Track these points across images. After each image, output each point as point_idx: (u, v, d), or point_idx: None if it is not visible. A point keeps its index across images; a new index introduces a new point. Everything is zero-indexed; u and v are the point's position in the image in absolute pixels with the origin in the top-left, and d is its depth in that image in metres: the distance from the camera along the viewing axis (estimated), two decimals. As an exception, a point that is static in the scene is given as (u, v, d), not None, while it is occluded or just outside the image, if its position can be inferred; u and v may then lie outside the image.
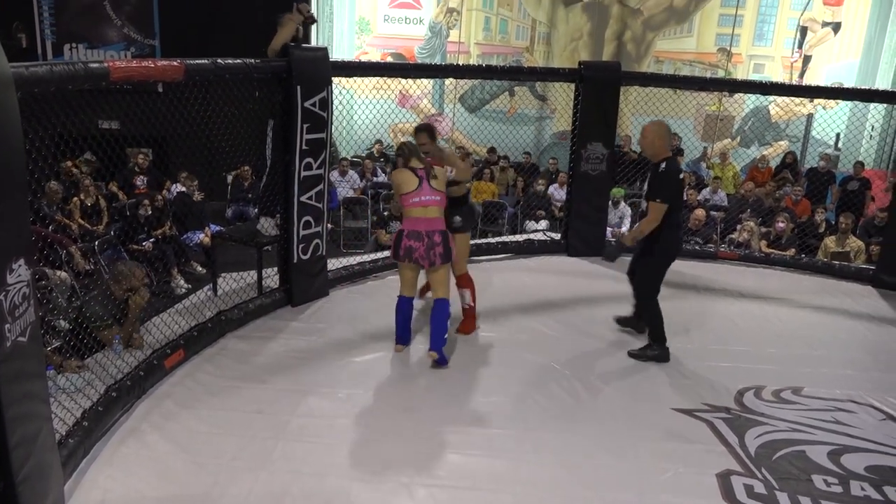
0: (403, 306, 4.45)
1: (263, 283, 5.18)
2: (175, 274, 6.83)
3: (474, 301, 4.83)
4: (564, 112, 10.52)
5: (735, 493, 3.29)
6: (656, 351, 4.58)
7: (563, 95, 8.58)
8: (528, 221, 9.08)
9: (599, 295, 5.68)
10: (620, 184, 8.35)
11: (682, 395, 4.15)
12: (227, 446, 3.42)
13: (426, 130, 4.62)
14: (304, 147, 4.89)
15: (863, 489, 3.37)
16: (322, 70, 4.94)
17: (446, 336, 4.30)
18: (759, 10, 11.95)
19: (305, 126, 4.85)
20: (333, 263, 5.71)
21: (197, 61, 3.96)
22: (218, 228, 7.17)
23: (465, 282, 4.78)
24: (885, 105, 10.25)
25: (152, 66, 3.67)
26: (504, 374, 4.32)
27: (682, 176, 4.46)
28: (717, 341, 4.97)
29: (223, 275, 5.39)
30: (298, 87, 4.74)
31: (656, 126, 4.40)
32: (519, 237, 7.07)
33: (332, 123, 5.16)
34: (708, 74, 11.64)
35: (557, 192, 9.32)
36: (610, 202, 7.82)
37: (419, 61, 11.93)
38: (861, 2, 11.60)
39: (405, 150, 4.31)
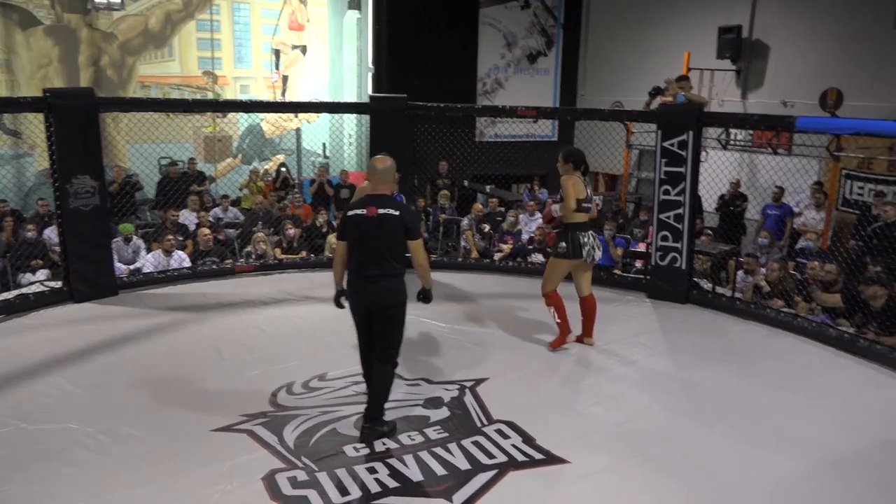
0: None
1: None
2: None
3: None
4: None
5: (281, 488, 3.42)
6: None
7: (41, 129, 7.63)
8: (23, 274, 7.84)
9: (115, 337, 5.26)
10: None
11: (220, 414, 4.13)
12: None
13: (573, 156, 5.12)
14: None
15: (384, 444, 3.85)
16: None
17: None
18: (235, 35, 12.55)
19: None
20: None
21: None
22: None
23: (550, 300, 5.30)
24: (355, 115, 11.92)
25: None
26: (9, 456, 3.65)
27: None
28: (248, 352, 5.09)
29: None
30: None
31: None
32: (9, 294, 6.04)
33: None
34: (197, 97, 11.77)
35: (54, 236, 8.27)
36: (121, 238, 7.38)
37: None
38: (319, 27, 13.18)
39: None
